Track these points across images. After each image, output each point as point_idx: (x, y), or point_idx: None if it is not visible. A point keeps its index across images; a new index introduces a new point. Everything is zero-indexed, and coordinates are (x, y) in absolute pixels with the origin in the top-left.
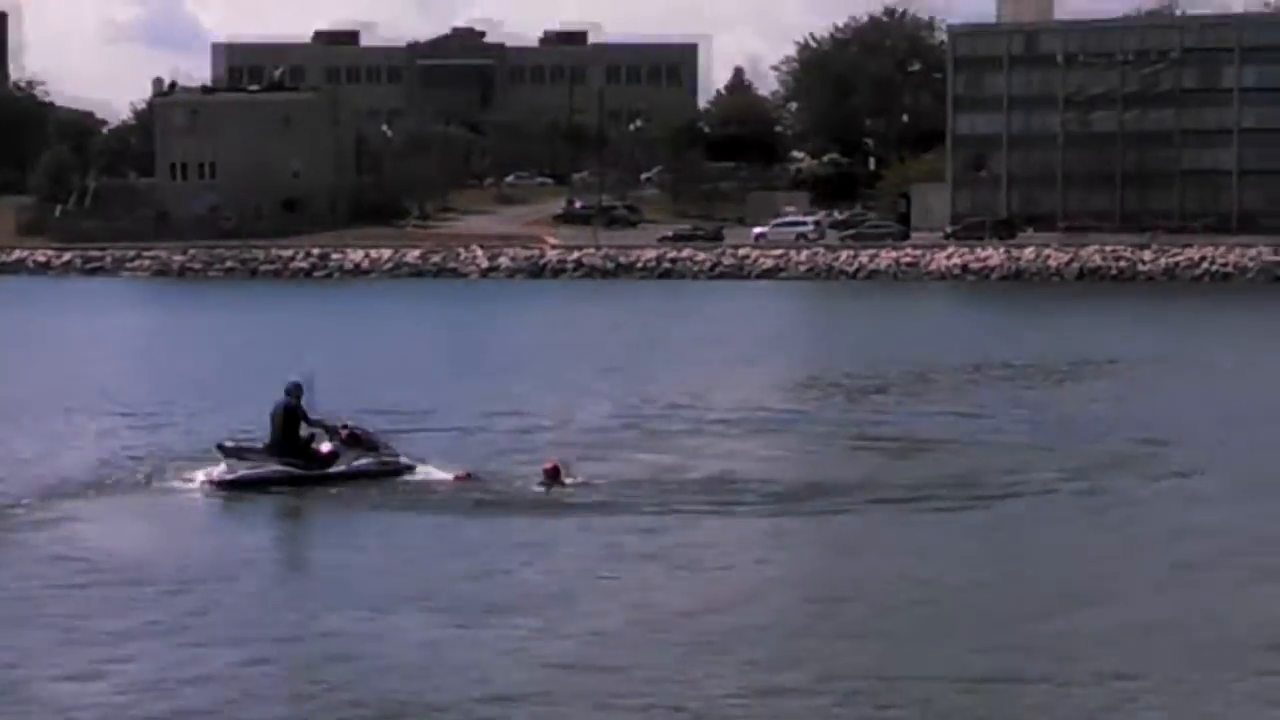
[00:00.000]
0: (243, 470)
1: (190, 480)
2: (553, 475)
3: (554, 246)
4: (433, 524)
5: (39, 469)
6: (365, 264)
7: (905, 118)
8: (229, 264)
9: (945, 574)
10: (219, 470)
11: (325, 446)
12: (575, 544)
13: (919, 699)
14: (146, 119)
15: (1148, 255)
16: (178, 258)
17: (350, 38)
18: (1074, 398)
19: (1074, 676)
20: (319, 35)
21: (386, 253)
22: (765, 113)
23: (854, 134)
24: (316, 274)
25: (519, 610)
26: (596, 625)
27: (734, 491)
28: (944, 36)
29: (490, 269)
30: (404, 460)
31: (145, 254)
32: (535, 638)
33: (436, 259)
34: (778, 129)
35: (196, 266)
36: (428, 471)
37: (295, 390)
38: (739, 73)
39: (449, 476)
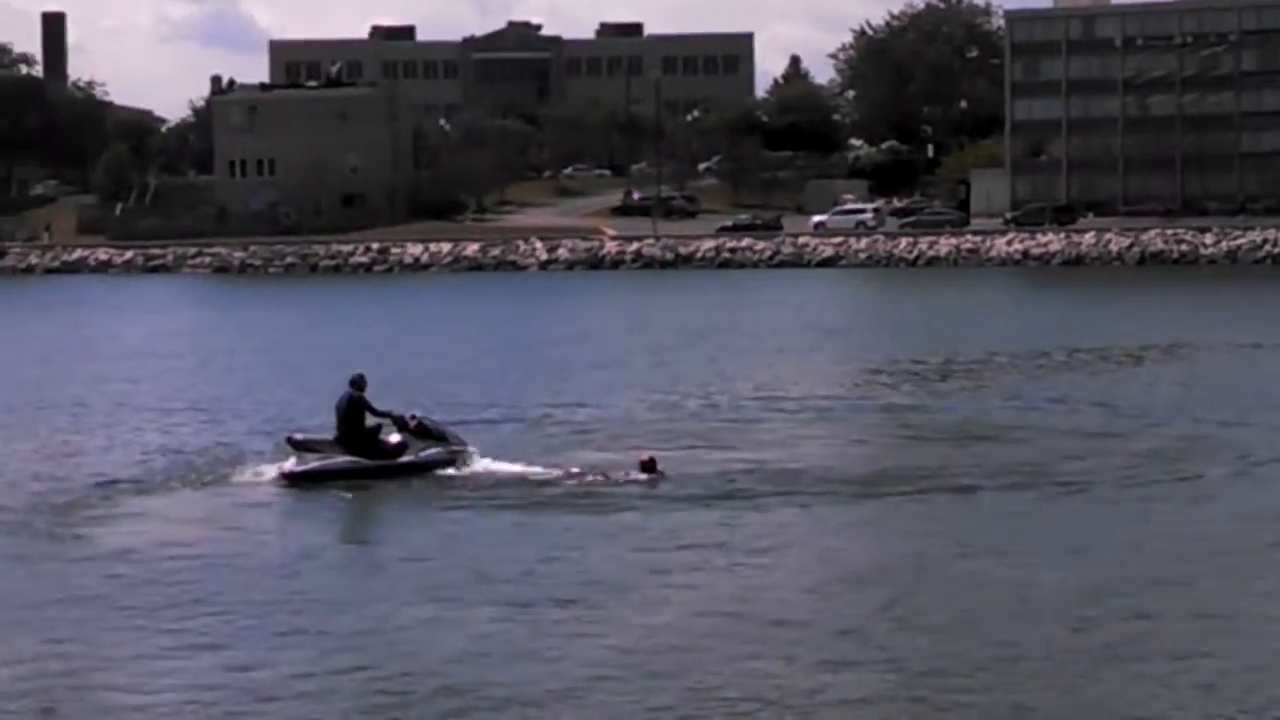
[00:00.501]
0: (313, 462)
1: (261, 474)
2: (649, 467)
3: (612, 238)
4: (508, 515)
5: (111, 465)
6: (425, 258)
7: (963, 104)
8: (289, 260)
9: (1008, 562)
10: (289, 463)
11: (394, 437)
12: (646, 534)
13: (985, 689)
14: (205, 117)
15: (1209, 239)
16: (238, 254)
17: (407, 33)
18: (1141, 382)
19: (1149, 665)
20: (375, 31)
21: (445, 246)
22: (822, 101)
23: (912, 121)
24: (376, 269)
25: (584, 601)
26: (660, 616)
27: (801, 481)
28: (1001, 22)
29: (549, 261)
30: (471, 449)
31: (206, 251)
32: (602, 626)
33: (495, 252)
34: (835, 117)
35: (256, 263)
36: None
37: (359, 381)
38: (795, 61)
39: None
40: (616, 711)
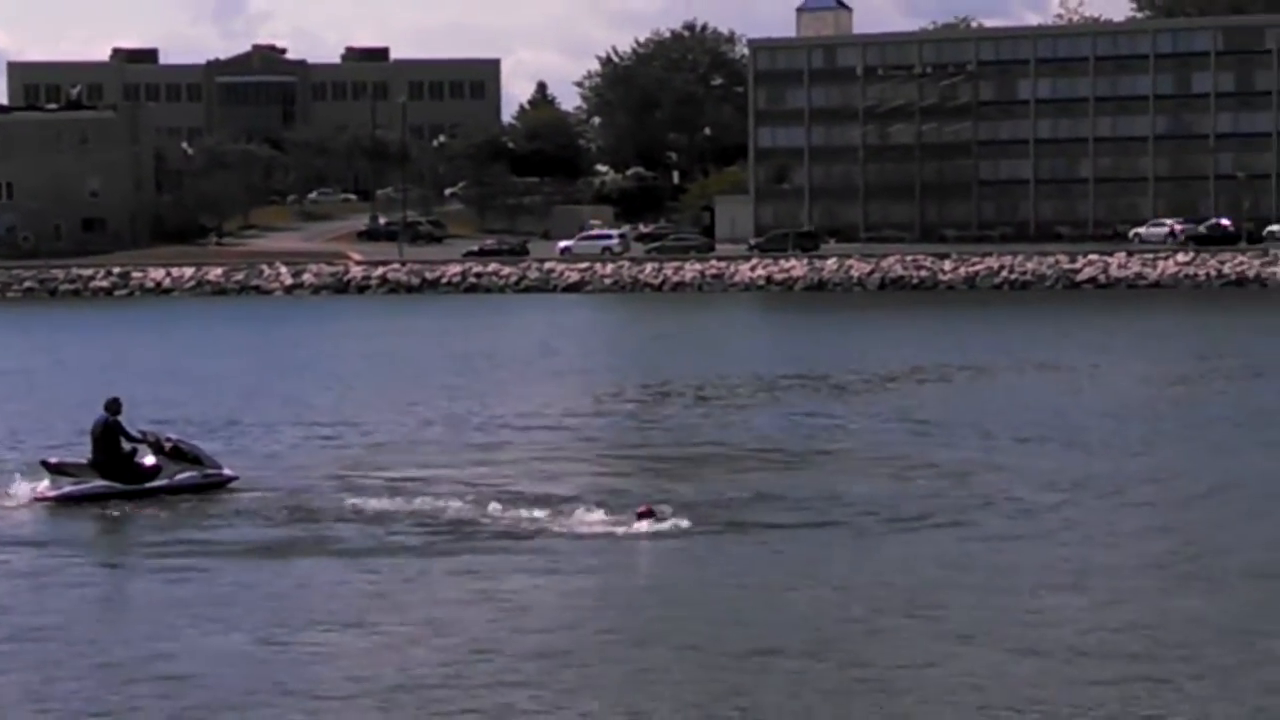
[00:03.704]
0: (67, 486)
1: (13, 497)
2: (646, 516)
3: (358, 263)
4: (255, 538)
5: None
6: (167, 282)
7: (708, 131)
8: (28, 284)
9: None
10: (43, 486)
11: (148, 460)
12: (380, 567)
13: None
14: None
15: (948, 265)
16: None
17: (149, 55)
18: (886, 405)
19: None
20: (117, 53)
21: (188, 271)
22: (568, 128)
23: (657, 148)
24: (117, 293)
25: (327, 631)
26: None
27: (539, 509)
28: (745, 50)
29: (294, 286)
30: (227, 472)
31: None
32: (338, 658)
33: (239, 276)
34: (581, 144)
35: None
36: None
37: (114, 406)
38: (542, 88)
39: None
40: None
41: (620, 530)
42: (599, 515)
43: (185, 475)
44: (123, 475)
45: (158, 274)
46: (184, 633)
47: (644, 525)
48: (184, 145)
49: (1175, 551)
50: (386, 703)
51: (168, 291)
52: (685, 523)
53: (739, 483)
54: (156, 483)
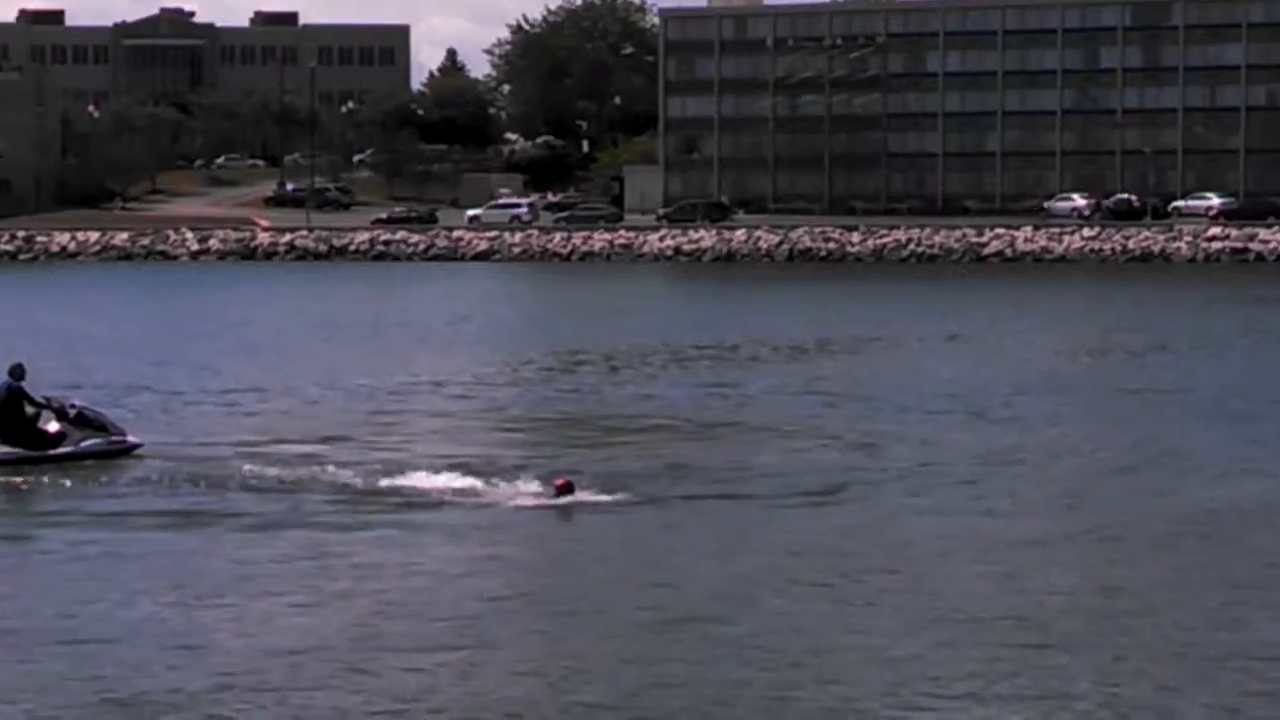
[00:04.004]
0: None
1: None
2: (565, 490)
3: (266, 229)
4: (161, 506)
5: None
6: (72, 246)
7: (618, 101)
8: None
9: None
10: None
11: (52, 426)
12: (284, 537)
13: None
14: None
15: (856, 237)
16: None
17: (55, 17)
18: (796, 377)
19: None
20: (23, 15)
21: (94, 235)
22: (478, 95)
23: (567, 117)
24: (21, 257)
25: (231, 592)
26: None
27: (443, 477)
28: (656, 20)
29: (201, 251)
30: (131, 439)
31: None
32: (239, 629)
33: (145, 241)
34: (491, 112)
35: None
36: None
37: (17, 372)
38: (451, 55)
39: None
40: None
41: (531, 501)
42: (509, 485)
43: (90, 442)
44: (27, 441)
45: (63, 238)
46: (89, 601)
47: (561, 499)
48: (90, 108)
49: (1081, 523)
50: (294, 667)
51: (73, 256)
52: (597, 493)
53: (650, 453)
54: (61, 450)
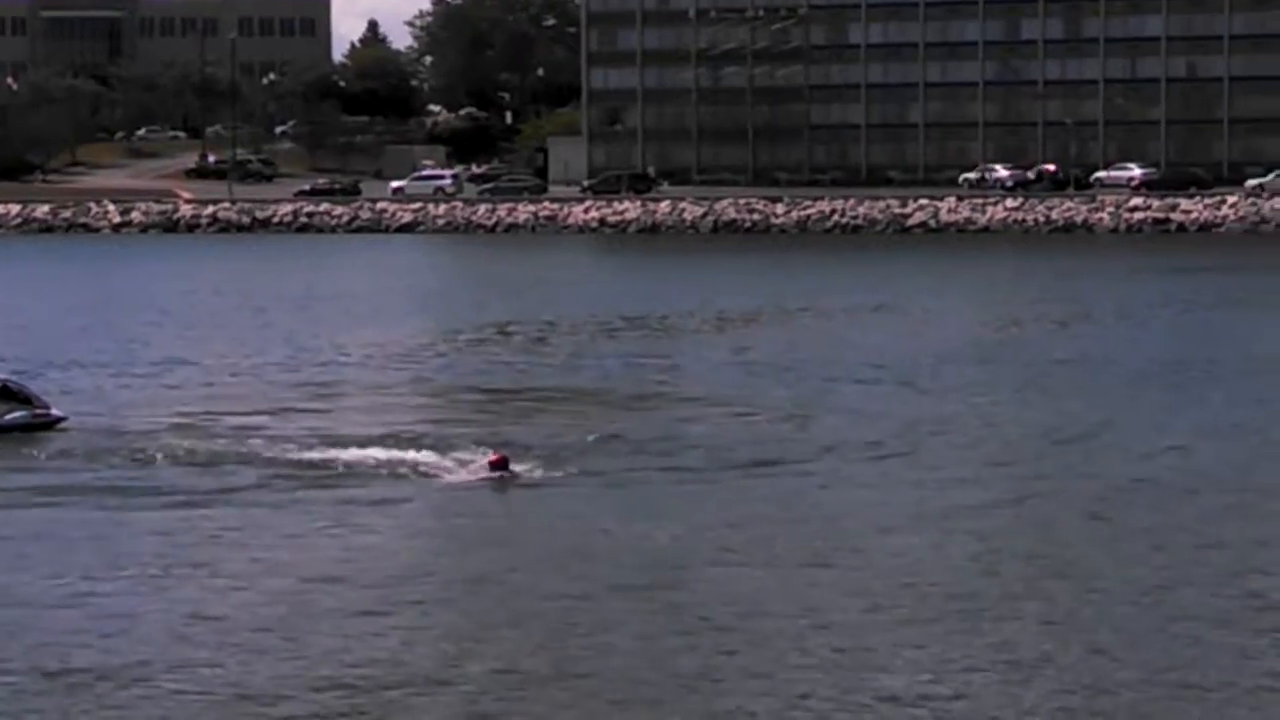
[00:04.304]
0: None
1: None
2: (500, 465)
3: (188, 201)
4: (85, 479)
5: None
6: None
7: (541, 72)
8: None
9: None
10: None
11: None
12: (226, 511)
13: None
14: None
15: (780, 208)
16: None
17: None
18: (721, 346)
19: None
20: None
21: (14, 208)
22: (400, 67)
23: (490, 88)
24: None
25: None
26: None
27: (372, 451)
28: None
29: (123, 224)
30: (55, 412)
31: None
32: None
33: (67, 214)
34: (413, 83)
35: None
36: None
37: None
38: (373, 26)
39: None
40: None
41: (461, 473)
42: (442, 458)
43: (14, 415)
44: None
45: None
46: (15, 572)
47: (495, 473)
48: (9, 80)
49: (1007, 493)
50: (221, 639)
51: None
52: (527, 465)
53: (579, 425)
54: None
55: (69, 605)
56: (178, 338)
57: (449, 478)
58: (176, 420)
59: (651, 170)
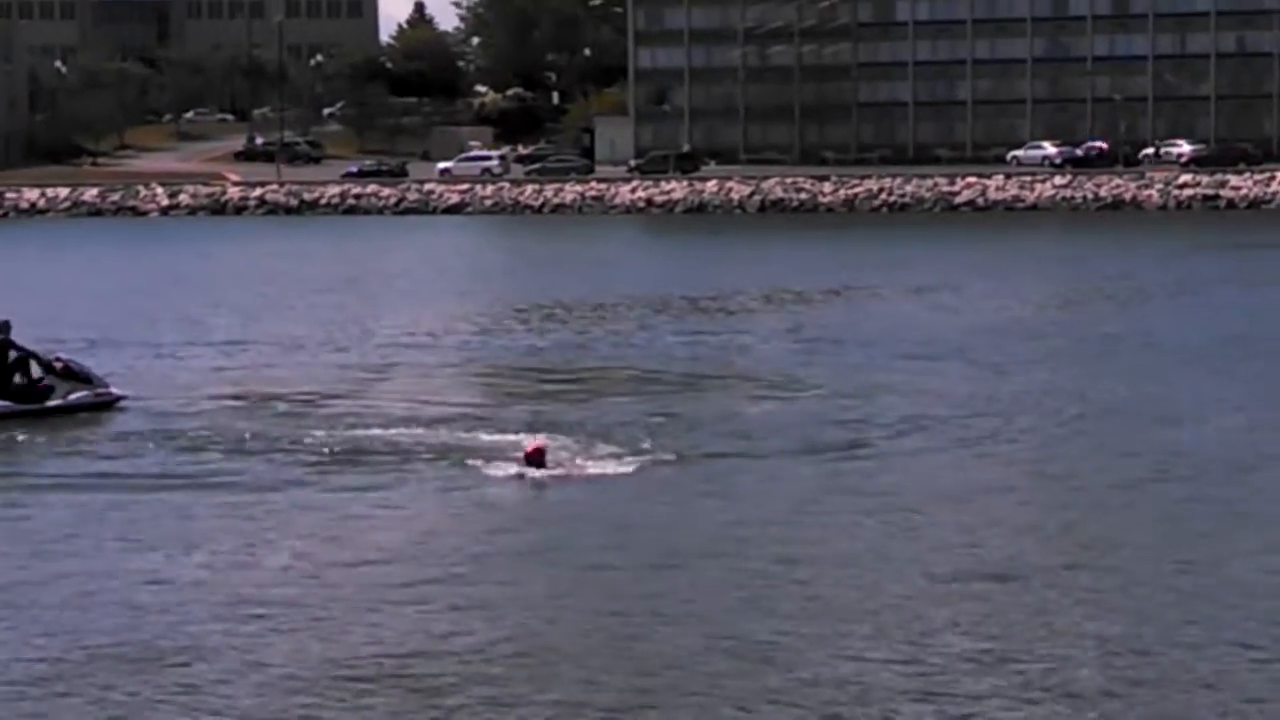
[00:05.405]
0: None
1: None
2: (535, 457)
3: (235, 183)
4: (143, 462)
5: None
6: (41, 203)
7: (587, 52)
8: None
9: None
10: None
11: (36, 372)
12: (264, 494)
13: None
14: None
15: (828, 187)
16: None
17: None
18: (772, 325)
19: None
20: None
21: (63, 191)
22: (447, 48)
23: (536, 69)
24: None
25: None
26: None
27: (432, 433)
28: None
29: (171, 207)
30: (116, 391)
31: None
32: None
33: (115, 197)
34: (460, 64)
35: None
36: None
37: (4, 326)
38: (420, 7)
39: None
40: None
41: (514, 456)
42: (493, 438)
43: (78, 395)
44: (15, 395)
45: (32, 194)
46: (70, 556)
47: (533, 470)
48: (58, 64)
49: (1059, 471)
50: (275, 622)
51: (42, 212)
52: (583, 446)
53: (632, 405)
54: (51, 402)
55: (116, 587)
56: (233, 318)
57: (498, 455)
58: (234, 401)
59: (698, 149)
